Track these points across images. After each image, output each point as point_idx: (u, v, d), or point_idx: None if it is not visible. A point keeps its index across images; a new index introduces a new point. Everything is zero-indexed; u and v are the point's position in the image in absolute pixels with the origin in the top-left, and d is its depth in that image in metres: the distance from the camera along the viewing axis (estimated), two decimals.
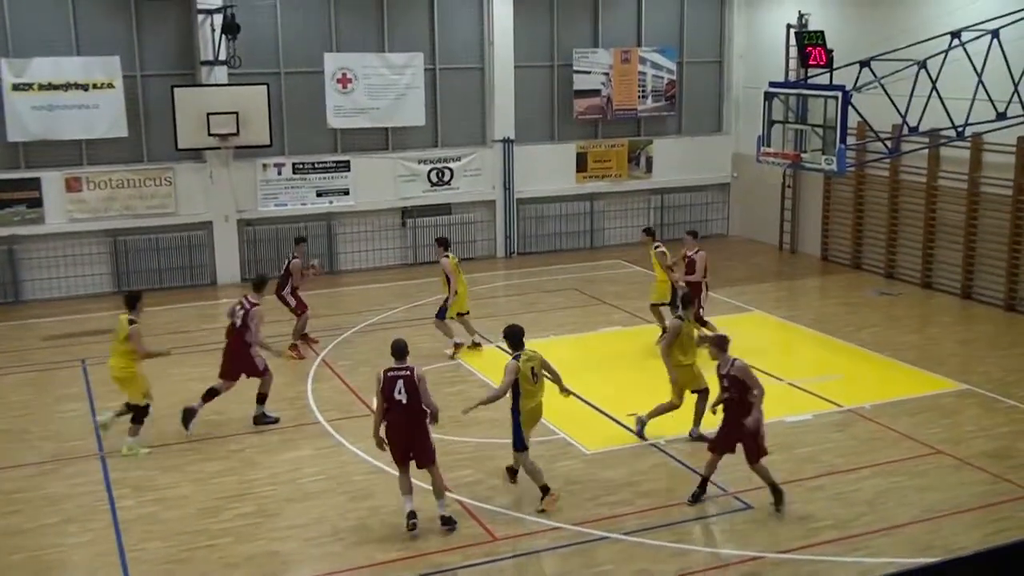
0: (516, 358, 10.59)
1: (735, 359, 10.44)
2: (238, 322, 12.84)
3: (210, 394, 12.77)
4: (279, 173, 20.78)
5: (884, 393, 13.83)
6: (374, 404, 10.39)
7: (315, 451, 12.29)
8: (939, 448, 12.06)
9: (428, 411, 10.20)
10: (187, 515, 10.68)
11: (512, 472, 11.22)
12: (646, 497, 10.92)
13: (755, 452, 10.36)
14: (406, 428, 10.09)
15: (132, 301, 12.30)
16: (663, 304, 15.96)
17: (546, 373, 10.88)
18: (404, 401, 10.02)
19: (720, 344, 10.59)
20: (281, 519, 10.59)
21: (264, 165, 20.65)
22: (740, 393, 10.31)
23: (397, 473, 10.30)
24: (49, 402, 14.08)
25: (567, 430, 12.68)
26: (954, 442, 12.22)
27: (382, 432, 10.18)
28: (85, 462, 12.03)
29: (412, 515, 10.11)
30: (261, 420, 13.10)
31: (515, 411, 10.57)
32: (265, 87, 19.79)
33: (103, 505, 10.93)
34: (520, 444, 10.66)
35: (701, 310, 15.20)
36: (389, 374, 10.12)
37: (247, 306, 12.88)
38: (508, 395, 10.49)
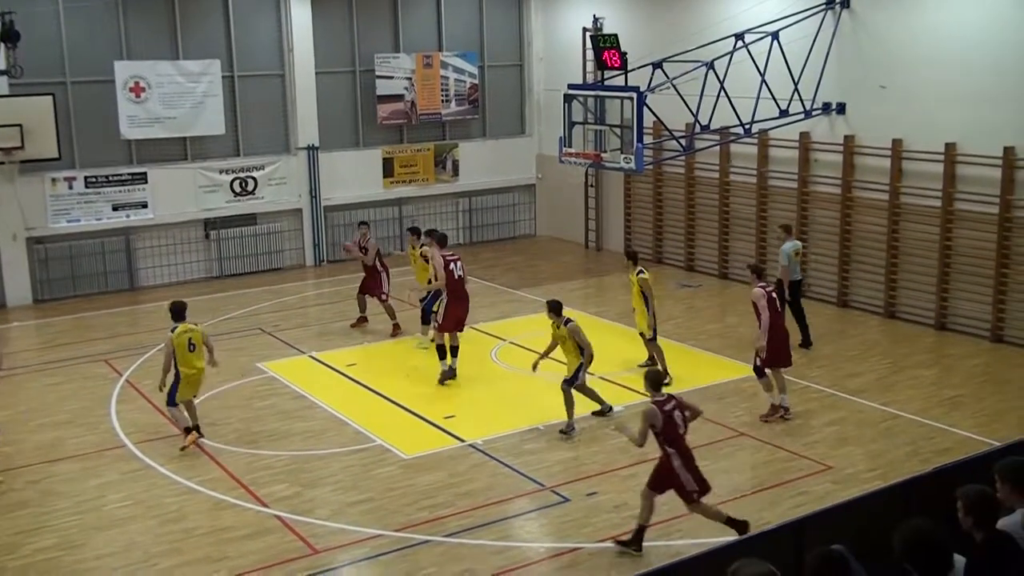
0: (172, 330, 12.19)
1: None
2: (464, 275, 14.75)
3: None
4: (70, 187, 19.79)
5: (690, 381, 14.35)
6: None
7: (122, 476, 11.77)
8: (742, 431, 12.65)
9: None
10: None
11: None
12: (466, 498, 10.99)
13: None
14: None
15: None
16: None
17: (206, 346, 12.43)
18: None
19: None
20: (87, 549, 10.09)
21: (54, 180, 19.62)
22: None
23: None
24: None
25: (384, 436, 12.63)
26: (755, 424, 12.84)
27: None
28: None
29: None
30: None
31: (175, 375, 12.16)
32: (51, 97, 18.84)
33: None
34: (170, 400, 12.30)
35: None
36: None
37: (457, 257, 14.78)
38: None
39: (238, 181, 21.44)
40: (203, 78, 20.61)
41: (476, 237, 24.36)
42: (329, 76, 22.33)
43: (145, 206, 20.51)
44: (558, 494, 11.04)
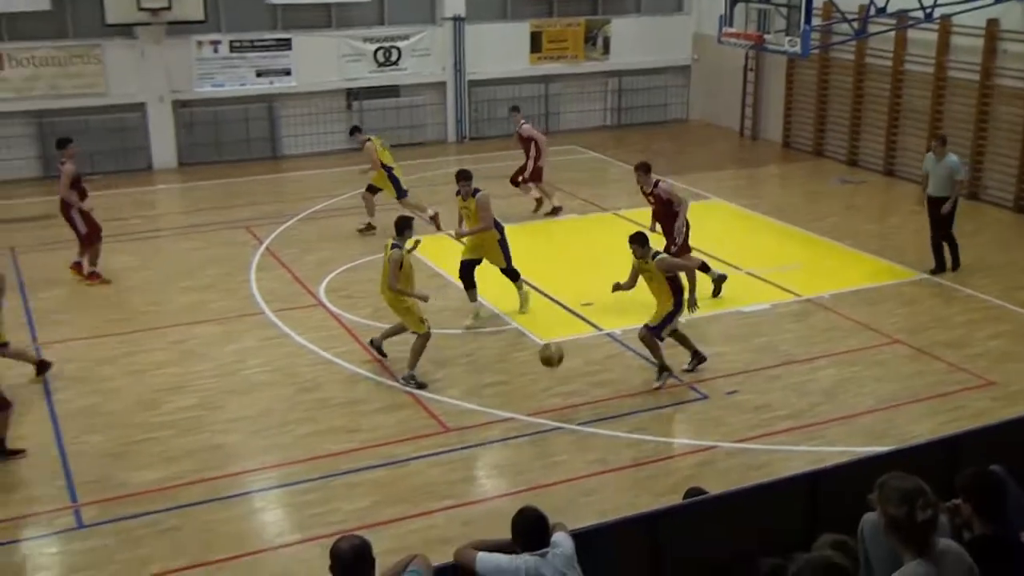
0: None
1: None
2: None
3: None
4: (215, 51, 20.26)
5: (843, 282, 14.05)
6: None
7: (260, 342, 12.28)
8: (897, 338, 12.33)
9: None
10: (126, 408, 10.68)
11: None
12: (601, 388, 11.10)
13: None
14: None
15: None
16: None
17: None
18: None
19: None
20: (225, 412, 10.63)
21: (199, 43, 20.10)
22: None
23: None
24: None
25: (520, 320, 12.78)
26: (912, 331, 12.50)
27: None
28: None
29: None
30: None
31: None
32: None
33: (39, 398, 10.89)
34: None
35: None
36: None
37: None
38: None
39: (382, 51, 21.55)
40: None
41: (625, 120, 24.00)
42: None
43: (288, 73, 20.86)
44: (696, 391, 11.04)
